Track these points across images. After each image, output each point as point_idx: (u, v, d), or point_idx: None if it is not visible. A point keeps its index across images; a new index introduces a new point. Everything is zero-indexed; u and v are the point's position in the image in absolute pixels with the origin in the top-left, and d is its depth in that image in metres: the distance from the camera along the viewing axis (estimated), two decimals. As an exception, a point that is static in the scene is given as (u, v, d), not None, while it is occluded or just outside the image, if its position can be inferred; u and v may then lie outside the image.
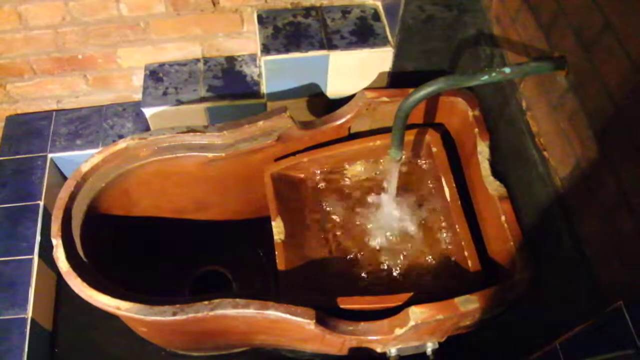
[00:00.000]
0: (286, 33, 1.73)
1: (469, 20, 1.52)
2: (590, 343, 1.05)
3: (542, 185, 1.23)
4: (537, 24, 1.20)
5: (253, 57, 1.92)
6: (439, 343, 1.41)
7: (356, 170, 1.63)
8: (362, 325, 1.29)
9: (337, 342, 1.33)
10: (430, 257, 1.49)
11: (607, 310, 0.98)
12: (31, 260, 1.74)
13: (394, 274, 1.47)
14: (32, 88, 1.96)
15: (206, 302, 1.25)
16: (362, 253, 1.50)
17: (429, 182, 1.58)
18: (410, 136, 1.58)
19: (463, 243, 1.43)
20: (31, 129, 2.00)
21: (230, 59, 1.92)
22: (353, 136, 1.63)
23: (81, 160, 1.47)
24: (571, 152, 1.11)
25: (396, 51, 1.67)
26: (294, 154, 1.59)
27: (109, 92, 2.02)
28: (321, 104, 1.86)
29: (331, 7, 1.81)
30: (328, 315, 1.28)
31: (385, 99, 1.53)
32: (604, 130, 1.00)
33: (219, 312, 1.25)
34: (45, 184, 1.87)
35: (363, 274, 1.47)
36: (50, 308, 1.84)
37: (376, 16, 1.78)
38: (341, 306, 1.32)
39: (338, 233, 1.54)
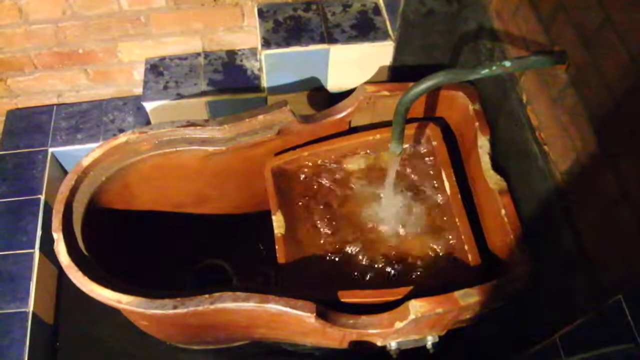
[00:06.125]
0: (287, 27, 1.73)
1: (470, 15, 1.52)
2: (589, 337, 1.05)
3: (542, 179, 1.23)
4: (538, 18, 1.20)
5: (254, 51, 1.92)
6: (439, 336, 1.42)
7: (356, 164, 1.62)
8: (363, 318, 1.29)
9: (338, 335, 1.34)
10: (430, 250, 1.49)
11: (607, 304, 0.98)
12: (32, 254, 1.74)
13: (394, 267, 1.47)
14: (33, 82, 1.96)
15: (207, 296, 1.26)
16: (362, 247, 1.50)
17: (430, 176, 1.58)
18: (410, 130, 1.58)
19: (463, 237, 1.43)
20: (32, 123, 2.00)
21: (231, 53, 1.92)
22: (353, 130, 1.62)
23: (82, 154, 1.47)
24: (571, 147, 1.11)
25: (397, 45, 1.66)
26: (294, 148, 1.59)
27: (110, 87, 2.02)
28: (321, 98, 1.86)
29: (332, 1, 1.80)
30: (328, 308, 1.28)
31: (385, 93, 1.53)
32: (604, 125, 1.00)
33: (220, 305, 1.25)
34: (46, 178, 1.88)
35: (363, 268, 1.47)
36: (52, 302, 1.84)
37: (377, 10, 1.77)
38: (341, 300, 1.32)
39: (338, 227, 1.54)
